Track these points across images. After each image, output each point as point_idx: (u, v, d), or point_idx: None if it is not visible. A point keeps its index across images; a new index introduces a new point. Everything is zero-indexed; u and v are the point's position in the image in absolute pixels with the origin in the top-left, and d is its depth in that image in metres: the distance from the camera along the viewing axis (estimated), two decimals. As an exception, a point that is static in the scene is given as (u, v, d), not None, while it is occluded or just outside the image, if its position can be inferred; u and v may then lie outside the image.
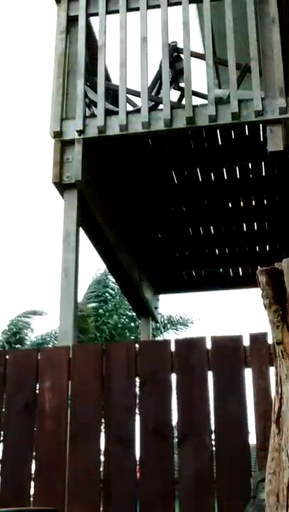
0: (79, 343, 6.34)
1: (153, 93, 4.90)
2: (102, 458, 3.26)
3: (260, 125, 4.52)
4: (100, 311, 16.72)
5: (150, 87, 4.79)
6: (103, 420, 3.30)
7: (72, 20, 4.81)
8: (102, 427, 3.28)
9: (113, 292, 16.89)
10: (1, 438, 3.34)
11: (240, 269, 6.89)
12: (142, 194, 5.61)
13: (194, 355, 3.26)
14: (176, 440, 3.20)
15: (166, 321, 16.83)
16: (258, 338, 3.23)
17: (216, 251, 6.54)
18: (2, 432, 3.34)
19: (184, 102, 4.57)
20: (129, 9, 4.71)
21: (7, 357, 3.47)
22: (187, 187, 5.48)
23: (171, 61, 4.88)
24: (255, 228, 6.16)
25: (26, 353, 3.57)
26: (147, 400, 3.25)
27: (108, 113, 4.54)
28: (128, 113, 4.52)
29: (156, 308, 7.08)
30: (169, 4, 4.64)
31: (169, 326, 17.04)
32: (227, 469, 3.08)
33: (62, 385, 3.34)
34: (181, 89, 5.14)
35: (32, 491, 3.22)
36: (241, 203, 5.77)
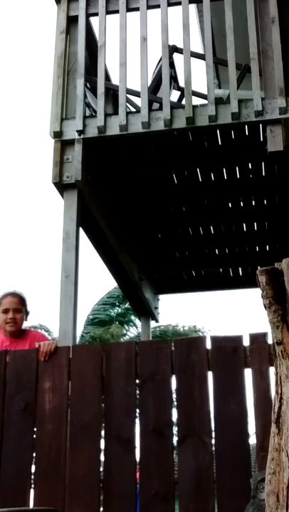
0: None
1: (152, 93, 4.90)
2: (102, 458, 3.26)
3: (260, 125, 4.52)
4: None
5: (150, 87, 4.80)
6: (103, 420, 3.30)
7: (72, 21, 4.81)
8: (102, 427, 3.28)
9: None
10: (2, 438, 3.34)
11: (240, 269, 6.89)
12: (142, 194, 5.61)
13: (194, 355, 3.26)
14: (176, 440, 3.20)
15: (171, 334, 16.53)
16: (258, 338, 3.23)
17: (216, 251, 6.53)
18: (2, 432, 3.34)
19: (184, 102, 4.57)
20: (129, 9, 4.71)
21: (7, 357, 3.47)
22: (187, 187, 5.48)
23: (171, 61, 4.88)
24: (255, 228, 6.16)
25: (26, 353, 3.56)
26: (147, 400, 3.25)
27: (108, 113, 4.55)
28: (128, 113, 4.52)
29: (156, 308, 7.08)
30: (169, 4, 4.64)
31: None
32: (227, 469, 3.08)
33: (63, 385, 3.34)
34: (181, 89, 5.14)
35: (32, 491, 3.22)
36: (241, 203, 5.77)
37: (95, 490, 3.17)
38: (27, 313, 4.27)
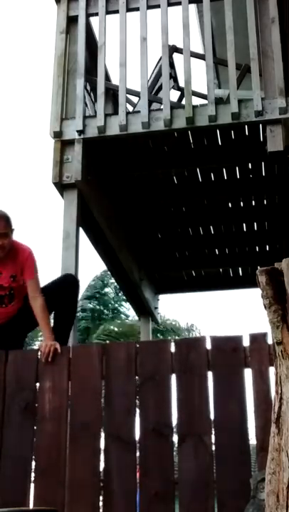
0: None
1: (152, 93, 4.90)
2: (102, 458, 3.25)
3: (260, 125, 4.52)
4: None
5: (150, 87, 4.80)
6: (103, 420, 3.29)
7: (72, 21, 4.81)
8: (102, 427, 3.28)
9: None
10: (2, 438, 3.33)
11: (240, 269, 6.89)
12: (142, 194, 5.61)
13: (194, 355, 3.26)
14: (176, 440, 3.20)
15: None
16: (258, 338, 3.23)
17: (216, 251, 6.54)
18: (2, 432, 3.34)
19: (183, 102, 4.57)
20: (129, 9, 4.71)
21: (7, 357, 3.47)
22: (187, 187, 5.48)
23: (171, 61, 4.88)
24: (255, 228, 6.16)
25: (26, 353, 3.56)
26: (147, 400, 3.25)
27: (108, 113, 4.55)
28: (128, 113, 4.52)
29: (156, 308, 7.08)
30: (169, 4, 4.64)
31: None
32: (227, 469, 3.08)
33: (63, 385, 3.34)
34: (181, 89, 5.14)
35: (32, 491, 3.22)
36: (241, 203, 5.77)
37: (95, 490, 3.16)
38: (12, 231, 3.86)
